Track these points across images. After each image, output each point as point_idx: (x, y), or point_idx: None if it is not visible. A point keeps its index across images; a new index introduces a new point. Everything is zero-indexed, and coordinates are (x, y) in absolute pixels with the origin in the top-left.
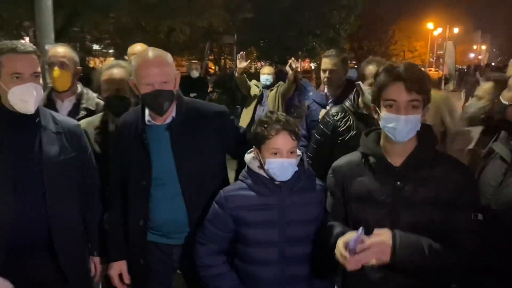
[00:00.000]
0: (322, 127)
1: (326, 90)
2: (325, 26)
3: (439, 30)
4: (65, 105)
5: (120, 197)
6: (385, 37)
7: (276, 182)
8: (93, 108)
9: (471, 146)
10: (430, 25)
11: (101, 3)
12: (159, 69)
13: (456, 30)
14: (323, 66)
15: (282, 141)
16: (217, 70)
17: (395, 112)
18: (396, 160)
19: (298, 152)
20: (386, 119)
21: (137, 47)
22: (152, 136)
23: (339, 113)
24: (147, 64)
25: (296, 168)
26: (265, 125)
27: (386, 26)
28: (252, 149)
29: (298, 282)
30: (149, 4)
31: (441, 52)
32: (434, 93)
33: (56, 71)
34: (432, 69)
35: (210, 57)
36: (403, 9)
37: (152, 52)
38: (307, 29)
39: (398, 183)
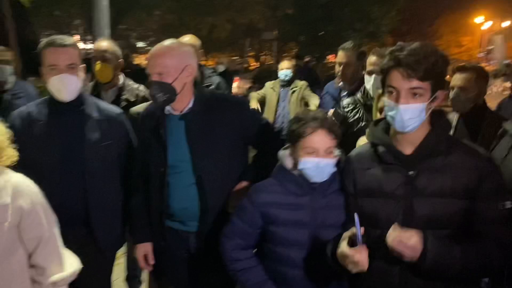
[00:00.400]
0: (333, 118)
1: (339, 84)
2: (365, 21)
3: (489, 23)
4: (108, 96)
5: (143, 182)
6: (430, 31)
7: (310, 183)
8: (133, 99)
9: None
10: (479, 19)
11: (146, 1)
12: (155, 61)
13: (507, 23)
14: (337, 59)
15: (318, 139)
16: (257, 65)
17: (394, 100)
18: (407, 149)
19: (337, 152)
20: (387, 106)
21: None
22: (170, 125)
23: (350, 105)
24: (149, 55)
25: (334, 169)
26: (301, 122)
27: (430, 20)
28: (287, 145)
29: (328, 284)
30: (192, 1)
31: (491, 48)
32: None
33: (98, 64)
34: (483, 64)
35: (250, 53)
36: (448, 2)
37: (163, 42)
38: (347, 24)
39: (410, 172)
